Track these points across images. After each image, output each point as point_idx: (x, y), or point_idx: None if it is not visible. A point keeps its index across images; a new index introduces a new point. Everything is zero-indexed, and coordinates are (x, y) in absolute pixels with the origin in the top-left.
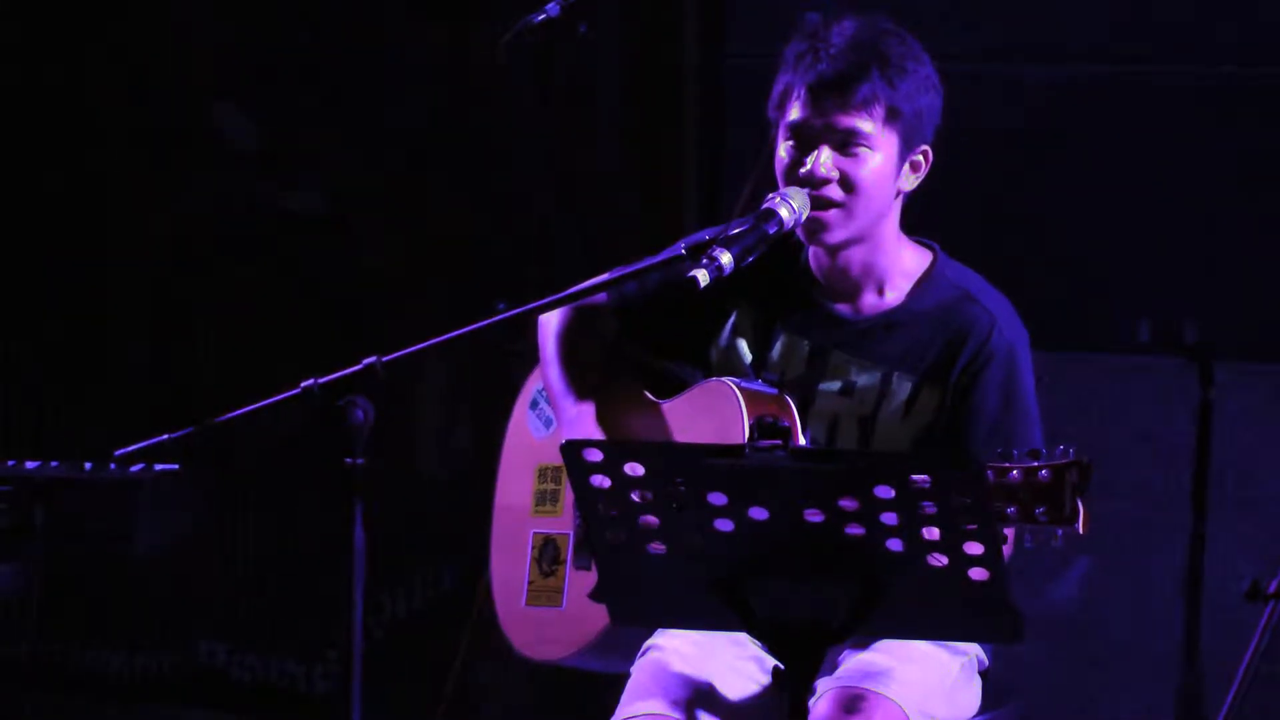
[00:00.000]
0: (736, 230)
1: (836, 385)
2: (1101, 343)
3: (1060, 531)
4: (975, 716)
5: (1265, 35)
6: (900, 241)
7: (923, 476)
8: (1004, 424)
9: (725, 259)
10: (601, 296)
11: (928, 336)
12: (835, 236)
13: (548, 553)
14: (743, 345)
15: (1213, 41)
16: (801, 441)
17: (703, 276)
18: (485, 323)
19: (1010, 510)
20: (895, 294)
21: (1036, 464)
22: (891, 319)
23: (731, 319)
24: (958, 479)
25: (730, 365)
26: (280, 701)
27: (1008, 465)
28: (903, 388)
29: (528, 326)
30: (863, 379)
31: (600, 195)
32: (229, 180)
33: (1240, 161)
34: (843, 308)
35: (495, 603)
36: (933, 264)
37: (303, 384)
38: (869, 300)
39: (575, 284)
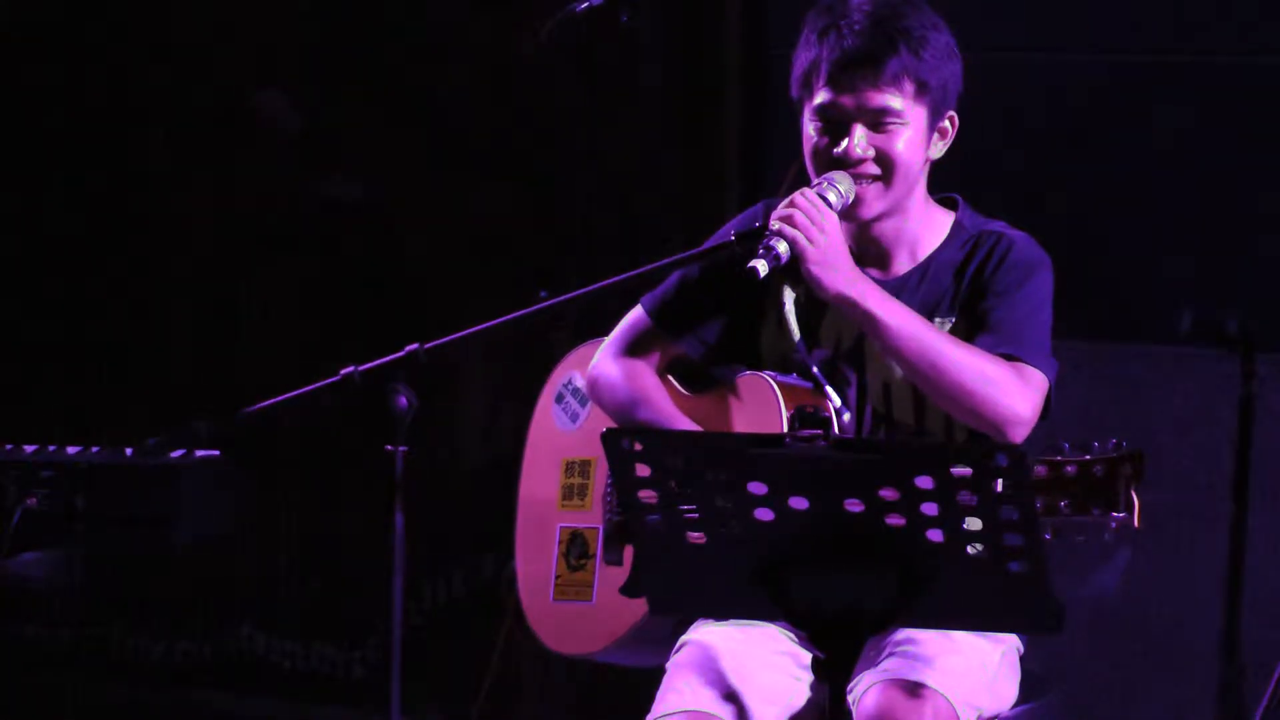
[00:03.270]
0: None
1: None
2: (1143, 334)
3: (1114, 524)
4: (1015, 706)
5: None
6: (928, 205)
7: (963, 467)
8: (1003, 309)
9: (782, 247)
10: (645, 321)
11: (956, 275)
12: (871, 211)
13: (575, 547)
14: (793, 323)
15: (1258, 32)
16: (846, 417)
17: (762, 267)
18: (527, 310)
19: (1063, 504)
20: (926, 254)
21: (1090, 457)
22: (924, 270)
23: (779, 298)
24: (998, 470)
25: (781, 346)
26: (320, 688)
27: (1060, 459)
28: (944, 330)
29: (569, 314)
30: None
31: (642, 184)
32: (273, 167)
33: None
34: (877, 273)
35: (521, 597)
36: (956, 218)
37: (344, 371)
38: (902, 265)
39: (617, 273)
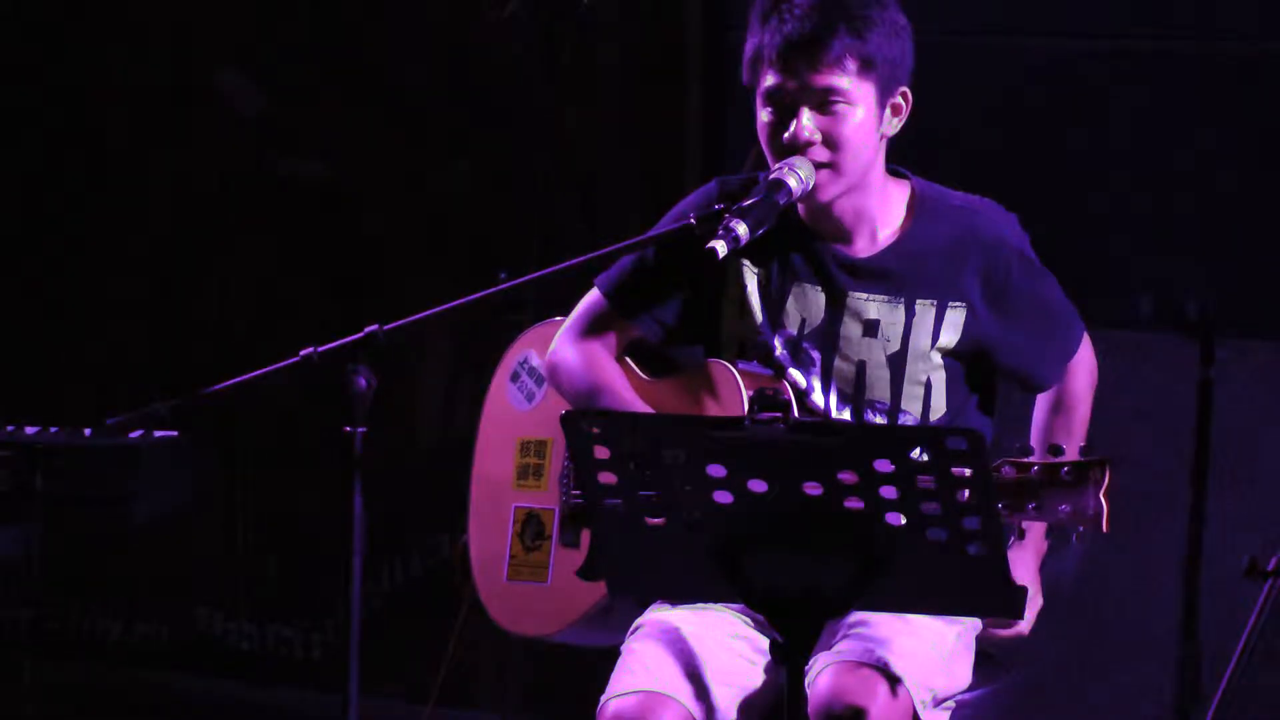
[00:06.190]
0: (749, 201)
1: (859, 327)
2: (1103, 319)
3: (1080, 528)
4: (972, 689)
5: (1274, 12)
6: (886, 182)
7: (921, 451)
8: (1041, 300)
9: (741, 230)
10: (602, 304)
11: (943, 261)
12: (828, 194)
13: (530, 527)
14: (755, 306)
15: (1220, 17)
16: (819, 400)
17: (721, 247)
18: (486, 292)
19: (1031, 506)
20: (888, 230)
21: (1058, 460)
22: (902, 249)
23: (740, 280)
24: (956, 454)
25: (742, 328)
26: (278, 669)
27: (1028, 461)
28: (927, 314)
29: (528, 296)
30: (886, 314)
31: (602, 167)
32: (231, 146)
33: (1244, 138)
34: (845, 249)
35: (475, 576)
36: (914, 192)
37: (303, 352)
38: (864, 241)
39: (576, 255)
